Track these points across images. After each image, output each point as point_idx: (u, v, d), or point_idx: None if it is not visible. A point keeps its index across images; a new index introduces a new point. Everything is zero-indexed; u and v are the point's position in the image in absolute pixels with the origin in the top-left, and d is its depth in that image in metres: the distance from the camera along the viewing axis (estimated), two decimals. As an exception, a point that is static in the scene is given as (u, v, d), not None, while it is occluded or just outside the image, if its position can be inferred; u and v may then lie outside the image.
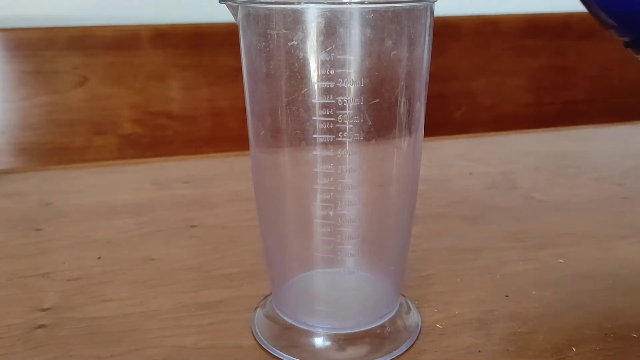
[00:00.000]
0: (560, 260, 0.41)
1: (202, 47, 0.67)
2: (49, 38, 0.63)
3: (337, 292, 0.31)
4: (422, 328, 0.33)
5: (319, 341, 0.31)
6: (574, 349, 0.31)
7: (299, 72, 0.26)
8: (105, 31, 0.64)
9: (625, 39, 0.31)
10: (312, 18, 0.25)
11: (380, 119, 0.27)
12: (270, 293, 0.34)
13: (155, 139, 0.68)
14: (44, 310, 0.35)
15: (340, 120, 0.27)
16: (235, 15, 0.28)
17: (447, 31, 0.74)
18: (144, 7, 0.67)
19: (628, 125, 0.77)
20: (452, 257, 0.41)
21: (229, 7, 0.27)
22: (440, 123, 0.76)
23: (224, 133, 0.69)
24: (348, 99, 0.26)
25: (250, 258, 0.41)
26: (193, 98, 0.68)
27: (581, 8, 0.33)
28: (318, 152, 0.27)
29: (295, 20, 0.25)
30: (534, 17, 0.77)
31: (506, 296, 0.36)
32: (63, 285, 0.38)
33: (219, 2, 0.27)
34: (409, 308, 0.34)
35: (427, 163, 0.61)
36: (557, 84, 0.81)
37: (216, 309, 0.35)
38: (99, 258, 0.42)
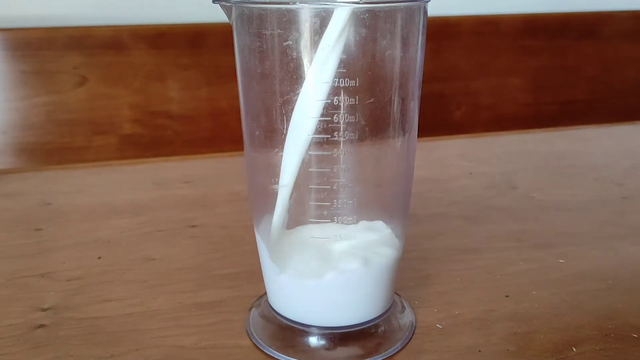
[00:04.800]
0: (560, 260, 0.41)
1: (202, 47, 0.67)
2: (49, 38, 0.63)
3: (331, 291, 0.31)
4: (423, 328, 0.33)
5: (314, 340, 0.31)
6: (574, 349, 0.31)
7: (293, 72, 0.26)
8: (105, 31, 0.64)
9: None
10: (307, 18, 0.25)
11: (374, 119, 0.27)
12: (265, 293, 0.34)
13: (155, 139, 0.68)
14: (44, 310, 0.35)
15: (334, 119, 0.27)
16: (229, 15, 0.27)
17: (447, 31, 0.73)
18: (144, 7, 0.67)
19: (628, 125, 0.77)
20: (452, 257, 0.41)
21: (222, 7, 0.27)
22: (440, 123, 0.76)
23: (223, 133, 0.69)
24: (342, 98, 0.26)
25: (250, 258, 0.41)
26: (193, 98, 0.68)
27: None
28: (313, 151, 0.27)
29: (289, 20, 0.25)
30: (534, 17, 0.77)
31: (506, 296, 0.36)
32: (63, 285, 0.38)
33: (213, 2, 0.27)
34: (403, 307, 0.34)
35: (427, 163, 0.61)
36: (557, 84, 0.81)
37: (216, 308, 0.35)
38: (99, 258, 0.42)
